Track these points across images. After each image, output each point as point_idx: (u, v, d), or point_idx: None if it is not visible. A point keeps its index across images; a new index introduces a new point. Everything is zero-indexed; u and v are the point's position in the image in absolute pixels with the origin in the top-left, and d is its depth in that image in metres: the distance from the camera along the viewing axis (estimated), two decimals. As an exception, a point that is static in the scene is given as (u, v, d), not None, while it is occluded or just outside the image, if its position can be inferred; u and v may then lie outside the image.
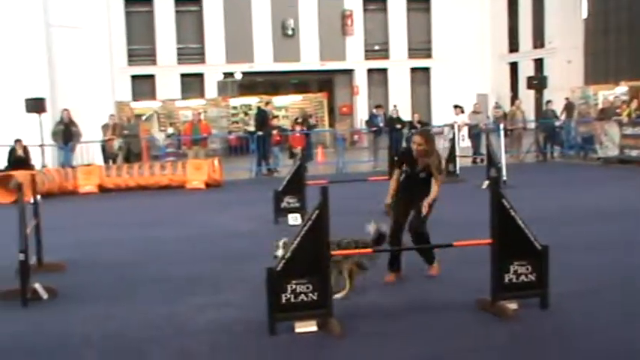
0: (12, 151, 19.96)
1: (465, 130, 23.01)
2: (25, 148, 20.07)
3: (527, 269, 6.37)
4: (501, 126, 18.35)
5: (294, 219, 11.73)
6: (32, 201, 8.77)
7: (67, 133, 21.16)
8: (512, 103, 29.03)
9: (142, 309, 7.02)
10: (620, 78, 30.83)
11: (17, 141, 19.95)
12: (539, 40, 41.13)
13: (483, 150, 19.54)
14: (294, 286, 5.97)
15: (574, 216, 11.64)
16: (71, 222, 13.30)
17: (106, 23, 26.85)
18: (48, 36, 24.31)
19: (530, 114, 26.86)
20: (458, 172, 17.68)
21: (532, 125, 24.69)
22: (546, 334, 5.90)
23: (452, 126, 20.75)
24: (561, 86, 31.30)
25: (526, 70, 39.92)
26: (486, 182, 14.93)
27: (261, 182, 19.16)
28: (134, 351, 5.83)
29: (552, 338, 5.81)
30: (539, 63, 40.59)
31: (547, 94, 25.56)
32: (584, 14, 37.97)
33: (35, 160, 20.42)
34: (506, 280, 6.34)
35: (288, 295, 5.97)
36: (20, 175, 15.47)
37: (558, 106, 24.73)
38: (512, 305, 6.32)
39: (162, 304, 7.19)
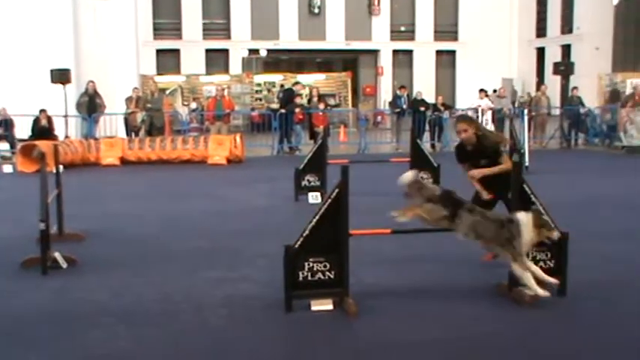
0: (36, 121, 20.13)
1: (488, 115, 22.86)
2: (49, 119, 20.22)
3: (546, 256, 6.34)
4: (525, 111, 18.21)
5: (314, 197, 11.74)
6: (54, 171, 8.84)
7: (91, 105, 21.24)
8: (538, 88, 28.78)
9: (160, 281, 7.07)
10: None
11: (42, 111, 20.11)
12: (567, 26, 40.68)
13: (507, 135, 19.39)
14: (311, 264, 5.98)
15: (595, 204, 11.55)
16: (92, 193, 13.39)
17: (132, -4, 26.93)
18: (75, 7, 24.38)
19: (556, 100, 26.64)
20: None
21: (557, 112, 24.49)
22: (562, 322, 5.87)
23: (476, 110, 20.60)
24: (588, 73, 30.97)
25: (553, 55, 39.50)
26: (508, 167, 14.81)
27: (283, 160, 19.17)
28: (151, 323, 5.87)
29: (568, 326, 5.79)
30: (566, 49, 40.15)
31: (573, 81, 25.30)
32: (615, 0, 37.44)
33: (59, 130, 20.58)
34: (526, 265, 6.30)
35: (305, 273, 5.98)
36: (43, 144, 15.58)
37: (584, 93, 24.46)
38: (530, 291, 6.28)
39: (180, 277, 7.23)
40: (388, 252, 7.73)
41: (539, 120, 23.05)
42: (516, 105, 25.67)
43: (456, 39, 43.04)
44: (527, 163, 15.40)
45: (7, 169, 17.17)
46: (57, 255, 7.46)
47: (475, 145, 7.31)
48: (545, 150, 21.50)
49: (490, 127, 22.75)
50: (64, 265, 7.47)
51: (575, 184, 14.20)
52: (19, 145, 18.30)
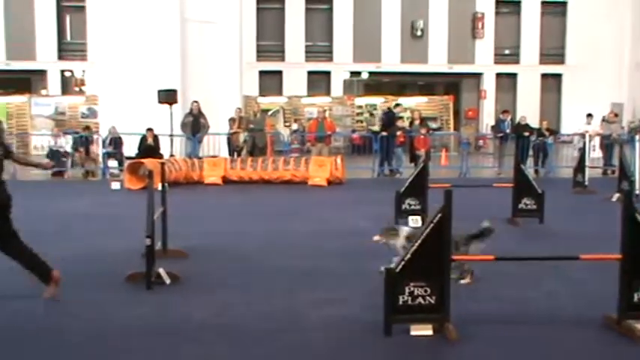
0: (143, 140, 20.73)
1: (596, 140, 22.19)
2: (155, 137, 20.80)
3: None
4: (637, 137, 17.57)
5: (415, 221, 11.62)
6: (160, 188, 9.04)
7: (195, 125, 21.77)
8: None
9: (260, 300, 7.11)
10: None
11: (149, 130, 20.70)
12: (682, 49, 39.21)
13: (615, 161, 18.76)
14: (412, 289, 5.89)
15: None
16: (195, 211, 13.65)
17: (237, 19, 27.40)
18: (183, 30, 25.10)
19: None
20: (587, 182, 17.06)
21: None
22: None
23: (582, 135, 20.03)
24: None
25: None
26: (617, 195, 14.35)
27: (383, 183, 19.10)
28: (250, 340, 5.90)
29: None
30: (681, 73, 38.68)
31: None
32: None
33: (164, 149, 21.14)
34: (636, 298, 6.02)
35: (406, 297, 5.90)
36: (150, 162, 16.03)
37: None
38: (640, 325, 6.01)
39: (280, 296, 7.26)
40: (490, 278, 7.55)
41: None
42: (626, 130, 24.75)
43: (562, 62, 42.06)
44: (637, 191, 14.83)
45: (115, 185, 17.70)
46: (161, 271, 7.62)
47: None
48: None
49: (597, 153, 22.13)
50: (168, 281, 7.62)
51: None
52: (126, 163, 18.88)
